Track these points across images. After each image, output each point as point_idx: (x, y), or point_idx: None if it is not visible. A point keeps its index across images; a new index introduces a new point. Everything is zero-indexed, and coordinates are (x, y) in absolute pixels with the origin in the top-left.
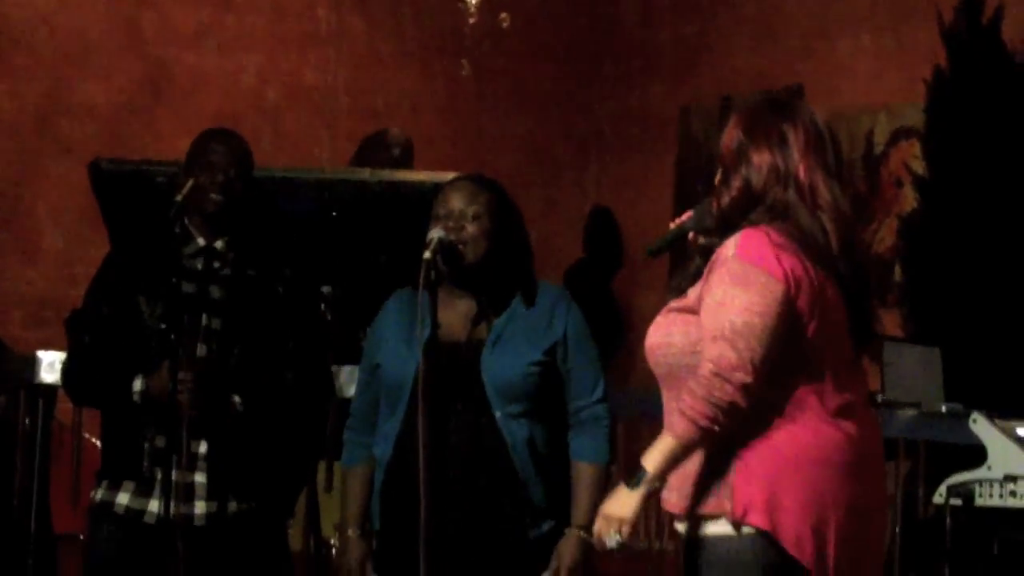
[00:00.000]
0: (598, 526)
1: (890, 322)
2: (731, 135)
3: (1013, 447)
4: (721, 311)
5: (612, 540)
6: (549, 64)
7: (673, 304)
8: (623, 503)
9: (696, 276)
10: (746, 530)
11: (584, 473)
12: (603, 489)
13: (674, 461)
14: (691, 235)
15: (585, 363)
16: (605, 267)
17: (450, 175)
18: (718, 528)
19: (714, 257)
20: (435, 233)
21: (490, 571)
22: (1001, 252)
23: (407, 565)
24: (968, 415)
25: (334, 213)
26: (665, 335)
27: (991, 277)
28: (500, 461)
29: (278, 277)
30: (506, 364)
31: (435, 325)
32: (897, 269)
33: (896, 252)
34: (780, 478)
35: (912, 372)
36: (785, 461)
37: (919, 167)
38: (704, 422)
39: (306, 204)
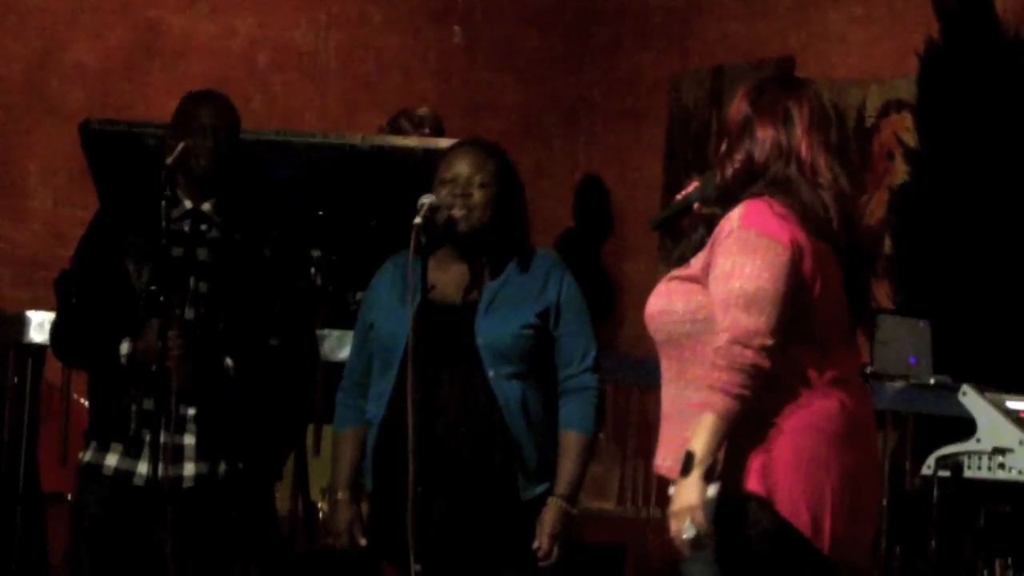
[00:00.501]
0: (672, 527)
1: (880, 294)
2: (738, 108)
3: (1002, 420)
4: (731, 280)
5: (689, 532)
6: (540, 31)
7: (676, 273)
8: (684, 493)
9: (700, 245)
10: (742, 495)
11: (569, 442)
12: (588, 458)
13: (719, 437)
14: (696, 206)
15: (576, 330)
16: (594, 235)
17: (442, 141)
18: (714, 493)
19: (718, 228)
20: (426, 199)
21: (483, 532)
22: (992, 225)
23: (401, 525)
24: (957, 388)
25: (320, 212)
26: (667, 302)
27: (982, 250)
28: (493, 421)
29: (265, 239)
30: (499, 325)
31: (425, 290)
32: (888, 242)
33: (886, 224)
34: (775, 445)
35: (902, 344)
36: (780, 429)
37: (910, 140)
38: (736, 390)
39: (296, 168)
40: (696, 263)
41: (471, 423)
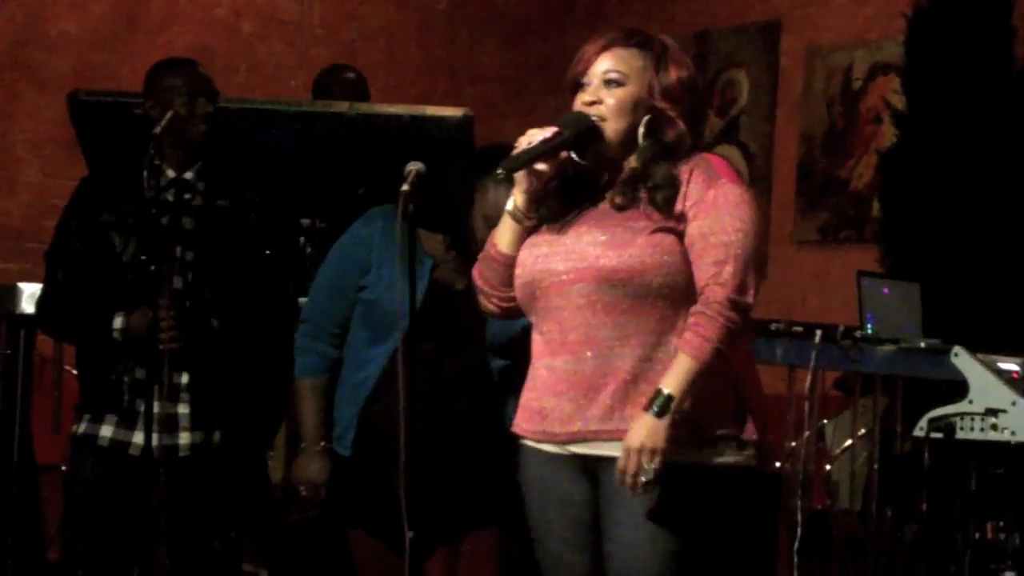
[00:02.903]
0: (631, 462)
1: (868, 257)
2: (685, 68)
3: (995, 380)
4: (727, 234)
5: (647, 473)
6: None
7: (663, 224)
8: (654, 434)
9: (670, 193)
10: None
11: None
12: None
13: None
14: (563, 153)
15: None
16: None
17: (429, 109)
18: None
19: (692, 178)
20: (413, 165)
21: (479, 512)
22: (979, 187)
23: (386, 493)
24: (947, 351)
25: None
26: (662, 254)
27: (969, 212)
28: (491, 405)
29: (248, 205)
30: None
31: (415, 257)
32: (875, 204)
33: (874, 187)
34: (758, 394)
35: (891, 308)
36: (754, 379)
37: (898, 102)
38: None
39: (283, 136)
40: (678, 210)
41: (471, 404)
